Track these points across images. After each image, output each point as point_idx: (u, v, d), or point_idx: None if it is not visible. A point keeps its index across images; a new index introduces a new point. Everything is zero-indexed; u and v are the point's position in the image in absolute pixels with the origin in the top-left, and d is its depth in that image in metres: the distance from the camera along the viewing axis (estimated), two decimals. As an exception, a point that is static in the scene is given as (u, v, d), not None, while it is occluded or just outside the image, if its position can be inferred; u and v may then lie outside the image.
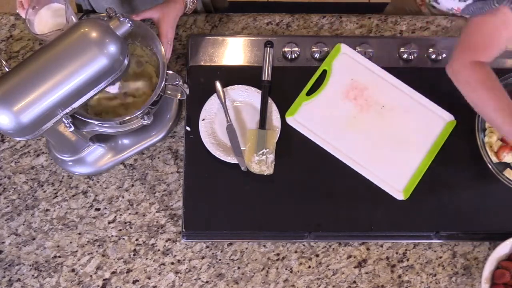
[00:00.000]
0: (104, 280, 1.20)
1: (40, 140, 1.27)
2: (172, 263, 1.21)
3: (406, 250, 1.23)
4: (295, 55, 1.29)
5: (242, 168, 1.21)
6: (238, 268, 1.21)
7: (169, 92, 1.14)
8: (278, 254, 1.22)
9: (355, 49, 1.30)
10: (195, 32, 1.35)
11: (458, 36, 1.16)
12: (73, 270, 1.20)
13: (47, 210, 1.23)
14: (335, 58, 1.29)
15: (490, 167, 1.17)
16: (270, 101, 1.25)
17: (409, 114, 1.26)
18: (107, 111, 1.15)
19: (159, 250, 1.22)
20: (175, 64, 1.33)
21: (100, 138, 1.20)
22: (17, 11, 1.15)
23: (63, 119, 0.97)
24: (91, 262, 1.21)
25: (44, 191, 1.24)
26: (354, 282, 1.21)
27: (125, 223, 1.23)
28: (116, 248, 1.22)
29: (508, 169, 1.20)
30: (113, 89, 1.14)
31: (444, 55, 1.29)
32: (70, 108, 0.97)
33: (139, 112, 1.08)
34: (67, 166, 1.23)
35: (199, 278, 1.21)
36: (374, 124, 1.25)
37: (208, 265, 1.21)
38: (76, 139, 1.12)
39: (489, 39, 1.10)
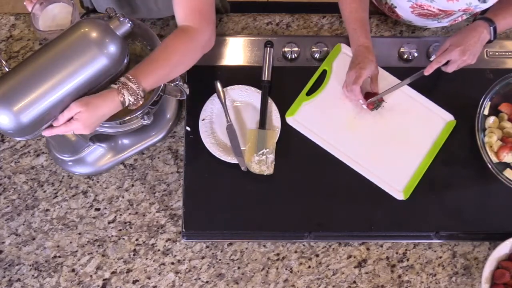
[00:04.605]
0: (104, 280, 1.20)
1: (40, 140, 1.27)
2: (172, 263, 1.21)
3: (406, 250, 1.23)
4: (295, 55, 1.29)
5: (242, 168, 1.21)
6: (238, 268, 1.21)
7: (169, 92, 1.14)
8: (278, 254, 1.22)
9: (355, 49, 1.30)
10: (195, 32, 1.35)
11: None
12: (73, 270, 1.20)
13: (47, 210, 1.23)
14: (335, 58, 1.29)
15: (490, 167, 1.17)
16: (270, 101, 1.25)
17: (409, 114, 1.26)
18: None
19: (159, 250, 1.22)
20: (175, 64, 1.32)
21: (100, 138, 1.20)
22: (24, 3, 1.15)
23: (63, 119, 0.97)
24: (91, 262, 1.21)
25: (44, 191, 1.24)
26: (354, 282, 1.21)
27: (125, 223, 1.23)
28: (116, 248, 1.21)
29: (508, 169, 1.20)
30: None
31: (444, 55, 1.29)
32: (70, 108, 0.96)
33: (139, 112, 1.08)
34: (67, 166, 1.23)
35: (199, 278, 1.20)
36: (374, 124, 1.25)
37: (208, 265, 1.21)
38: (76, 139, 1.12)
39: None
